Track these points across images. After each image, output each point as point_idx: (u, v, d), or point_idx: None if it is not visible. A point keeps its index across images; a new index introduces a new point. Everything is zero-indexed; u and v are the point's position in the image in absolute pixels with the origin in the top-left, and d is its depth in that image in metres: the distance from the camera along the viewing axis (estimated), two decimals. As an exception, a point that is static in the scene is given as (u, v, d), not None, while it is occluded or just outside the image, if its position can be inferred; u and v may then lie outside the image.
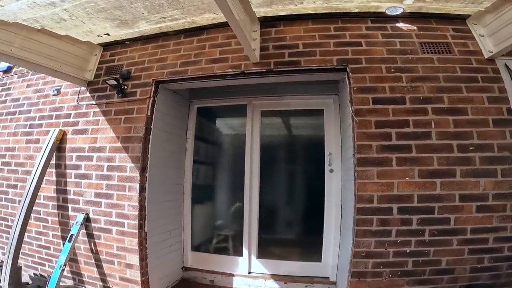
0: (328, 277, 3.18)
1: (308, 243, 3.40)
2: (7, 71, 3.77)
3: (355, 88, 2.38)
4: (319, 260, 3.23)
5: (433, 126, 2.20)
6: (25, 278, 3.31)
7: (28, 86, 3.54)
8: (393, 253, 2.16)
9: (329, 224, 3.14)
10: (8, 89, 3.67)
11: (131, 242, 2.74)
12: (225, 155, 3.76)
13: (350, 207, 2.40)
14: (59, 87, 3.30)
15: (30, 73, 3.54)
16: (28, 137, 3.30)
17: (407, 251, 2.15)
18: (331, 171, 3.11)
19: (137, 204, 2.70)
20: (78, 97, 3.14)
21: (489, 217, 2.14)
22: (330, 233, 3.14)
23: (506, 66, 2.34)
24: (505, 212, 2.14)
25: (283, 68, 2.63)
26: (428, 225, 2.13)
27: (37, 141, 3.23)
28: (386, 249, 2.15)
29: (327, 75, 2.70)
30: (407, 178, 2.16)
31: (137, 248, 2.72)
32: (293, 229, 3.53)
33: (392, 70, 2.37)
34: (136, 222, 2.71)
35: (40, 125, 3.24)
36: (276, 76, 2.77)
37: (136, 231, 2.71)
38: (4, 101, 3.62)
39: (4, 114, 3.56)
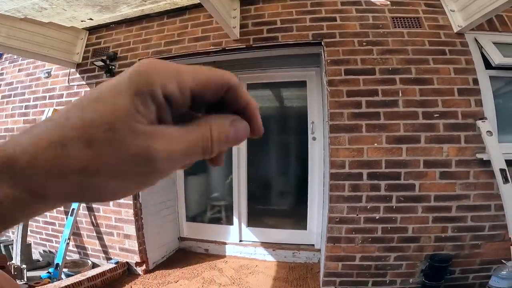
0: (313, 245, 3.36)
1: (294, 211, 3.57)
2: (-2, 58, 3.82)
3: (329, 61, 2.47)
4: (305, 228, 3.41)
5: (400, 95, 2.30)
6: (36, 255, 3.51)
7: (20, 70, 3.60)
8: (364, 219, 2.30)
9: (313, 192, 3.30)
10: (1, 74, 3.74)
11: (127, 213, 2.93)
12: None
13: (327, 173, 2.53)
14: (49, 70, 3.37)
15: (21, 58, 3.59)
16: (25, 118, 3.40)
17: (376, 217, 2.29)
18: (314, 139, 3.24)
19: (130, 176, 2.86)
20: (68, 79, 3.23)
21: (452, 184, 2.24)
22: (314, 201, 3.30)
23: (476, 40, 2.41)
24: (468, 179, 2.23)
25: (261, 43, 2.70)
26: (395, 191, 2.26)
27: (33, 121, 3.31)
28: (357, 215, 2.30)
29: (304, 49, 2.77)
30: (375, 144, 2.27)
31: (133, 218, 2.91)
32: (280, 198, 3.71)
33: (364, 43, 2.44)
34: (130, 193, 2.88)
35: (36, 106, 3.34)
36: (256, 51, 2.85)
37: (131, 202, 2.89)
38: (-1, 86, 3.70)
39: (0, 97, 3.64)
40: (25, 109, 3.42)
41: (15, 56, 3.63)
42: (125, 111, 0.20)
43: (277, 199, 3.73)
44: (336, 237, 2.37)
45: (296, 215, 3.51)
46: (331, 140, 2.33)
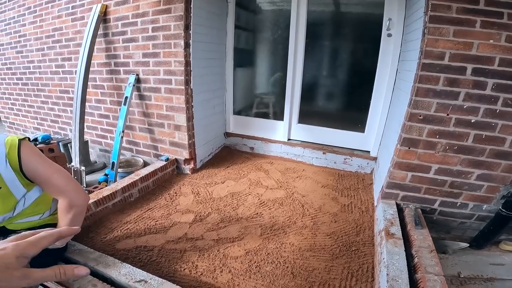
0: (369, 151, 2.97)
1: (354, 111, 3.06)
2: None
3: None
4: (363, 130, 2.97)
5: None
6: (92, 156, 3.50)
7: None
8: (456, 121, 1.78)
9: (379, 90, 2.77)
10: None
11: (179, 99, 2.65)
12: (266, 21, 3.24)
13: (411, 66, 1.96)
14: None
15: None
16: (73, 16, 3.10)
17: (472, 121, 1.76)
18: (389, 35, 2.60)
19: (183, 59, 2.50)
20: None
21: None
22: (379, 100, 2.79)
23: None
24: None
25: None
26: (504, 92, 1.68)
27: (82, 18, 3.03)
28: (448, 115, 1.78)
29: None
30: (491, 41, 1.64)
31: (184, 106, 2.64)
32: (338, 96, 3.14)
33: None
34: (183, 78, 2.56)
35: (82, 5, 2.99)
36: None
37: (183, 87, 2.59)
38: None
39: (44, 3, 3.31)
40: (71, 9, 3.09)
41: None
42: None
43: (335, 96, 3.16)
44: (413, 139, 1.89)
45: (355, 115, 3.00)
46: (430, 30, 1.70)
